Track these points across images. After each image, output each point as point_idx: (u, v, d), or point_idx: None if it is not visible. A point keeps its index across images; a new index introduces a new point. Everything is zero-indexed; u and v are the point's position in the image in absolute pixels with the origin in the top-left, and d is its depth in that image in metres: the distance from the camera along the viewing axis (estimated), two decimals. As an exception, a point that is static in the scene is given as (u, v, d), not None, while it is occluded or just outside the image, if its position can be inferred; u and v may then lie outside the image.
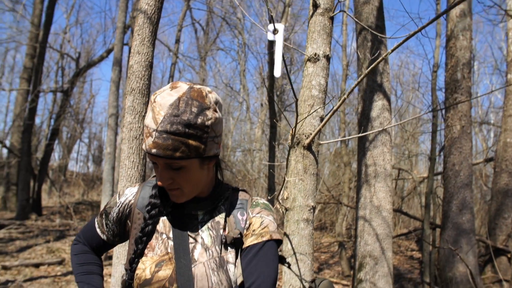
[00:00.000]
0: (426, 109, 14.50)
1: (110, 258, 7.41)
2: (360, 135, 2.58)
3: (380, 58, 1.93)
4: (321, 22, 2.53)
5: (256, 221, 1.25)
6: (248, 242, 1.21)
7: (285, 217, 2.41)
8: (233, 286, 1.20)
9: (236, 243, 1.23)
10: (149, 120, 1.10)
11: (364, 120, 4.80)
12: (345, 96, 2.19)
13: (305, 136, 2.39)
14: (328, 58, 2.51)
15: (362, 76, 2.04)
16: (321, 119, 2.44)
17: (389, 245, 4.79)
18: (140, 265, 1.20)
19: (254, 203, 1.31)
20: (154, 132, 1.08)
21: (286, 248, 2.42)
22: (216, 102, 1.16)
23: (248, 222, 1.25)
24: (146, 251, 1.22)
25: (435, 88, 8.12)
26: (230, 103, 20.76)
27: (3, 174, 14.22)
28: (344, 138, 2.40)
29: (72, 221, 11.66)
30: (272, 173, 8.82)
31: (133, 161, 2.68)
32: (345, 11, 2.61)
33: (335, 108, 2.24)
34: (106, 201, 3.82)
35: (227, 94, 20.57)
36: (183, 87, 1.13)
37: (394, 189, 12.61)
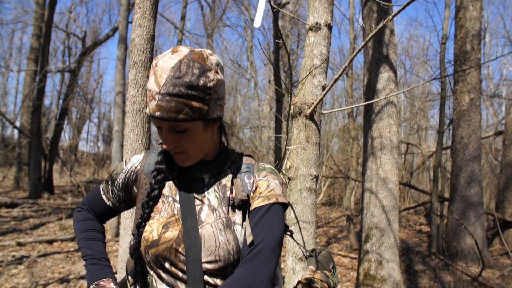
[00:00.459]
0: (435, 82, 14.33)
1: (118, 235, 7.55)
2: (364, 103, 2.57)
3: (384, 21, 1.91)
4: (323, -10, 2.49)
5: (262, 184, 1.26)
6: (255, 204, 1.22)
7: (288, 187, 2.43)
8: (240, 247, 1.21)
9: (243, 205, 1.24)
10: (151, 84, 1.11)
11: (370, 92, 4.77)
12: (347, 63, 2.18)
13: (307, 105, 2.39)
14: (329, 27, 2.49)
15: (366, 40, 2.02)
16: (323, 88, 2.43)
17: (396, 217, 4.81)
18: (147, 228, 1.22)
19: (260, 167, 1.32)
20: (157, 95, 1.09)
21: (289, 217, 2.45)
22: (218, 64, 1.17)
23: (255, 185, 1.26)
24: (152, 214, 1.24)
25: (443, 60, 7.99)
26: (238, 80, 20.67)
27: (14, 155, 14.42)
28: (347, 107, 2.40)
29: (82, 198, 11.84)
30: (278, 146, 8.84)
31: (137, 134, 2.71)
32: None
33: (336, 76, 2.22)
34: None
35: (235, 71, 20.46)
36: (184, 50, 1.14)
37: (403, 164, 12.58)
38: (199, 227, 1.20)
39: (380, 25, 1.88)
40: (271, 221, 1.19)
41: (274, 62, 9.49)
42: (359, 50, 2.06)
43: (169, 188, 1.27)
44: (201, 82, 1.10)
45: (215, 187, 1.27)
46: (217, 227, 1.21)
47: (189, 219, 1.20)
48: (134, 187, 1.32)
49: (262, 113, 18.46)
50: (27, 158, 13.49)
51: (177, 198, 1.25)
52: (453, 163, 7.93)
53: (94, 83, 23.06)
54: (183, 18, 16.97)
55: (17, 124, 14.36)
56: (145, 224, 1.23)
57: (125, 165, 1.35)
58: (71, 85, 14.54)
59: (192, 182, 1.27)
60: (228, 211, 1.24)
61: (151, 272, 1.24)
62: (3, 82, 22.85)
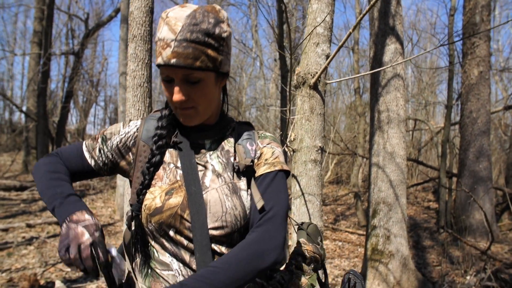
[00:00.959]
0: (443, 56, 14.09)
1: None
2: (371, 72, 2.50)
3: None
4: (326, -45, 2.40)
5: (267, 151, 1.25)
6: (261, 170, 1.20)
7: (293, 159, 2.39)
8: (247, 212, 1.19)
9: (247, 172, 1.22)
10: (165, 33, 1.08)
11: (377, 65, 4.67)
12: (351, 30, 2.10)
13: (311, 75, 2.32)
14: (333, -7, 2.40)
15: (371, 4, 1.94)
16: (327, 57, 2.36)
17: (403, 192, 4.77)
18: (148, 196, 1.17)
19: (262, 135, 1.31)
20: (173, 42, 1.06)
21: (294, 190, 2.41)
22: (227, 18, 1.17)
23: (259, 152, 1.25)
24: (153, 182, 1.19)
25: (452, 33, 7.81)
26: (243, 60, 20.48)
27: (22, 139, 14.49)
28: (353, 77, 2.31)
29: (91, 181, 11.92)
30: (284, 124, 8.78)
31: (138, 109, 2.66)
32: None
33: (341, 43, 2.15)
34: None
35: (240, 50, 20.24)
36: (192, 5, 1.13)
37: (411, 140, 12.48)
38: (204, 192, 1.17)
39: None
40: (279, 188, 1.19)
41: (278, 38, 9.36)
42: (367, 11, 1.99)
43: (170, 154, 1.23)
44: (217, 31, 1.09)
45: (217, 152, 1.25)
46: (223, 192, 1.18)
47: (192, 185, 1.16)
48: (130, 154, 1.26)
49: (268, 92, 18.33)
50: (35, 141, 13.55)
51: (179, 164, 1.21)
52: (461, 138, 7.83)
53: (99, 66, 22.99)
54: (186, -3, 16.73)
55: (24, 108, 14.39)
56: (146, 192, 1.18)
57: (123, 128, 1.27)
58: (75, 68, 14.50)
59: (193, 148, 1.24)
60: (233, 177, 1.22)
61: (153, 243, 1.19)
62: (8, 67, 22.84)
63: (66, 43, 18.29)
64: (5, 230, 6.80)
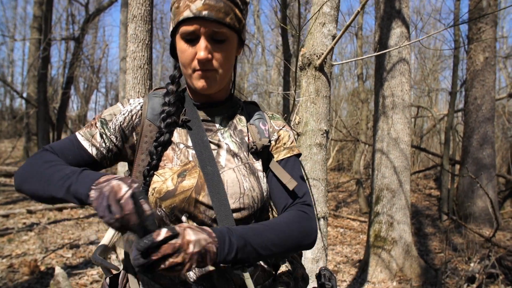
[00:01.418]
0: (447, 42, 13.93)
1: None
2: (376, 54, 2.42)
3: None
4: None
5: (285, 134, 1.23)
6: (282, 155, 1.20)
7: (297, 142, 2.32)
8: (264, 194, 1.14)
9: (263, 152, 1.19)
10: None
11: (382, 49, 4.58)
12: (359, 9, 2.02)
13: (317, 56, 2.25)
14: (340, -30, 2.31)
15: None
16: (333, 37, 2.28)
17: (407, 178, 4.72)
18: (156, 178, 1.07)
19: (272, 115, 1.29)
20: None
21: (298, 174, 2.35)
22: None
23: (275, 134, 1.22)
24: (162, 163, 1.10)
25: (458, 17, 7.69)
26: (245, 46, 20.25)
27: (23, 126, 14.44)
28: (359, 58, 2.24)
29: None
30: (286, 109, 8.71)
31: (138, 91, 2.59)
32: None
33: (348, 22, 2.08)
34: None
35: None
36: None
37: (413, 127, 12.40)
38: (220, 172, 1.10)
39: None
40: (300, 172, 1.20)
41: (281, 21, 9.23)
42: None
43: (179, 134, 1.14)
44: None
45: (230, 131, 1.18)
46: (241, 172, 1.12)
47: (208, 165, 1.08)
48: (134, 134, 1.14)
49: (270, 78, 18.22)
50: (36, 128, 13.47)
51: (189, 144, 1.13)
52: (465, 125, 7.76)
53: (100, 52, 22.83)
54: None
55: (24, 94, 14.31)
56: (153, 173, 1.09)
57: (123, 107, 1.15)
58: (76, 53, 14.37)
59: (204, 126, 1.17)
60: (248, 157, 1.17)
61: None
62: (8, 53, 22.72)
63: (66, 28, 18.12)
64: (6, 216, 6.78)
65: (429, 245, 6.43)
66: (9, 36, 20.16)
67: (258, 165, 1.17)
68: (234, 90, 1.25)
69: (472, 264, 4.03)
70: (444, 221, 7.67)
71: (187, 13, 1.02)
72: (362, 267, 4.93)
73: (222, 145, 1.15)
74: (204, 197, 1.06)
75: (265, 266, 1.13)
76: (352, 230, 7.51)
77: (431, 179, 12.53)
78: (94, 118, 1.17)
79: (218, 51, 1.06)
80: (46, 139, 12.56)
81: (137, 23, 2.63)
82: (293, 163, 1.19)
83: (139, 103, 1.16)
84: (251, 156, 1.17)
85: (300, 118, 2.30)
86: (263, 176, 1.17)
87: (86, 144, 1.11)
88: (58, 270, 3.52)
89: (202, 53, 1.03)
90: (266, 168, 1.20)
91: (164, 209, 1.06)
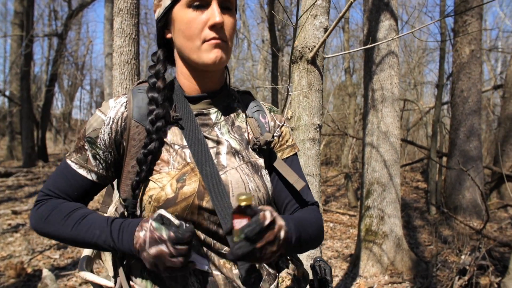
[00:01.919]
0: (433, 35, 14.01)
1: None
2: (366, 47, 2.39)
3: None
4: None
5: (287, 131, 1.19)
6: (286, 153, 1.16)
7: (290, 138, 2.28)
8: (269, 194, 1.07)
9: (265, 148, 1.12)
10: None
11: (371, 42, 4.56)
12: (352, 0, 1.98)
13: (309, 49, 2.20)
14: (331, -39, 2.27)
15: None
16: (325, 30, 2.24)
17: (397, 171, 4.71)
18: (152, 185, 0.97)
19: (271, 108, 1.21)
20: None
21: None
22: None
23: (278, 130, 1.16)
24: (158, 168, 0.99)
25: (444, 11, 7.72)
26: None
27: (6, 124, 14.17)
28: (350, 51, 2.21)
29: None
30: (275, 101, 8.68)
31: (125, 87, 2.52)
32: None
33: (340, 15, 2.03)
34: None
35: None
36: None
37: (400, 121, 12.48)
38: (222, 173, 1.00)
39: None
40: (301, 169, 1.19)
41: (268, 15, 9.18)
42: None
43: (172, 132, 1.03)
44: None
45: (228, 127, 1.09)
46: (244, 172, 1.03)
47: (205, 165, 0.98)
48: (123, 141, 1.02)
49: (256, 73, 18.14)
50: (19, 126, 13.24)
51: (185, 143, 1.02)
52: (452, 117, 7.80)
53: (84, 49, 22.51)
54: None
55: (7, 92, 14.02)
56: (142, 185, 0.98)
57: (104, 116, 1.01)
58: (59, 50, 14.13)
59: (198, 120, 1.06)
60: (250, 154, 1.09)
61: None
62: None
63: (49, 24, 17.82)
64: (-10, 216, 6.63)
65: (419, 238, 6.46)
66: (-11, 33, 19.72)
67: (261, 162, 1.10)
68: (229, 78, 1.16)
69: (463, 257, 4.04)
70: (435, 214, 7.72)
71: None
72: (354, 261, 4.93)
73: (222, 141, 1.06)
74: (208, 203, 0.97)
75: (270, 270, 1.07)
76: (342, 225, 7.51)
77: (418, 172, 12.62)
78: (79, 138, 1.05)
79: (227, 20, 1.01)
80: (30, 138, 12.36)
81: (123, 16, 2.55)
82: (297, 162, 1.18)
83: (121, 104, 1.03)
84: (252, 153, 1.10)
85: (292, 113, 2.26)
86: (266, 173, 1.10)
87: (83, 172, 1.03)
88: (45, 272, 3.43)
89: (218, 19, 0.96)
90: (267, 166, 1.13)
91: None
